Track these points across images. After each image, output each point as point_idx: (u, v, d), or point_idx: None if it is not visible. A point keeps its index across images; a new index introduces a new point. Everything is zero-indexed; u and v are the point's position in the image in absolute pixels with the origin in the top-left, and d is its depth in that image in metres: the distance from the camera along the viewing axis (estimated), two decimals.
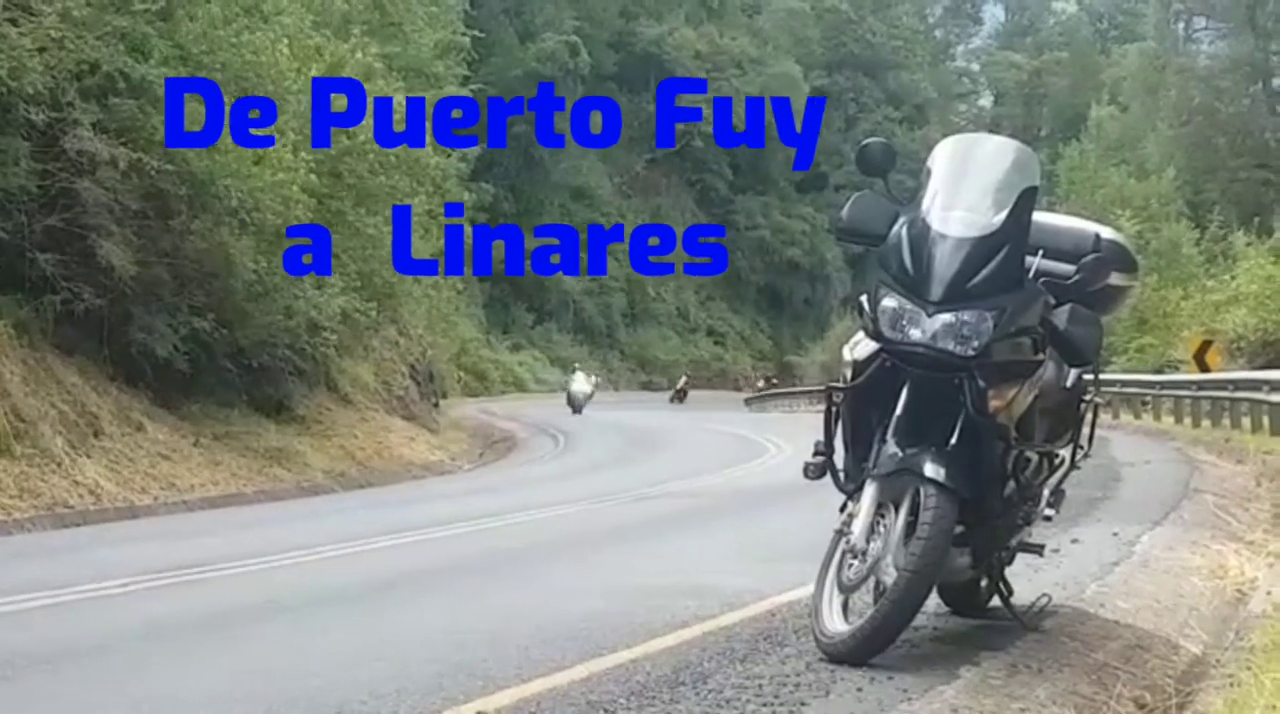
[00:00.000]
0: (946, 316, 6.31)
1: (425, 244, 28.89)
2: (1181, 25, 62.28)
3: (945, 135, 7.89)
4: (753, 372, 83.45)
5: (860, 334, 6.75)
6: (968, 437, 6.34)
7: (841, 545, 6.44)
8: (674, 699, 5.85)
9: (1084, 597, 8.29)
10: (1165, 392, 30.48)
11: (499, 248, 64.67)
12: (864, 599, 6.43)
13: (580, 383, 50.60)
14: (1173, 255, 41.80)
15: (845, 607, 6.45)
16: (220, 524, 16.26)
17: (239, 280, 21.11)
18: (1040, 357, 6.57)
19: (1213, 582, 9.27)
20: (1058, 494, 7.13)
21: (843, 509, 6.67)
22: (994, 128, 75.87)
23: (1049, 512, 7.08)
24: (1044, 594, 7.36)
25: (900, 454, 6.34)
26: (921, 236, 6.44)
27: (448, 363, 47.62)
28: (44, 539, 14.82)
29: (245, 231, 20.98)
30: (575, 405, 48.89)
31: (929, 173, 6.66)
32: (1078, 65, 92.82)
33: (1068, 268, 6.71)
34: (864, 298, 6.65)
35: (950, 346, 6.30)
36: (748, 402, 63.25)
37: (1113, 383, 30.50)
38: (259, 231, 21.19)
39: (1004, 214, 6.45)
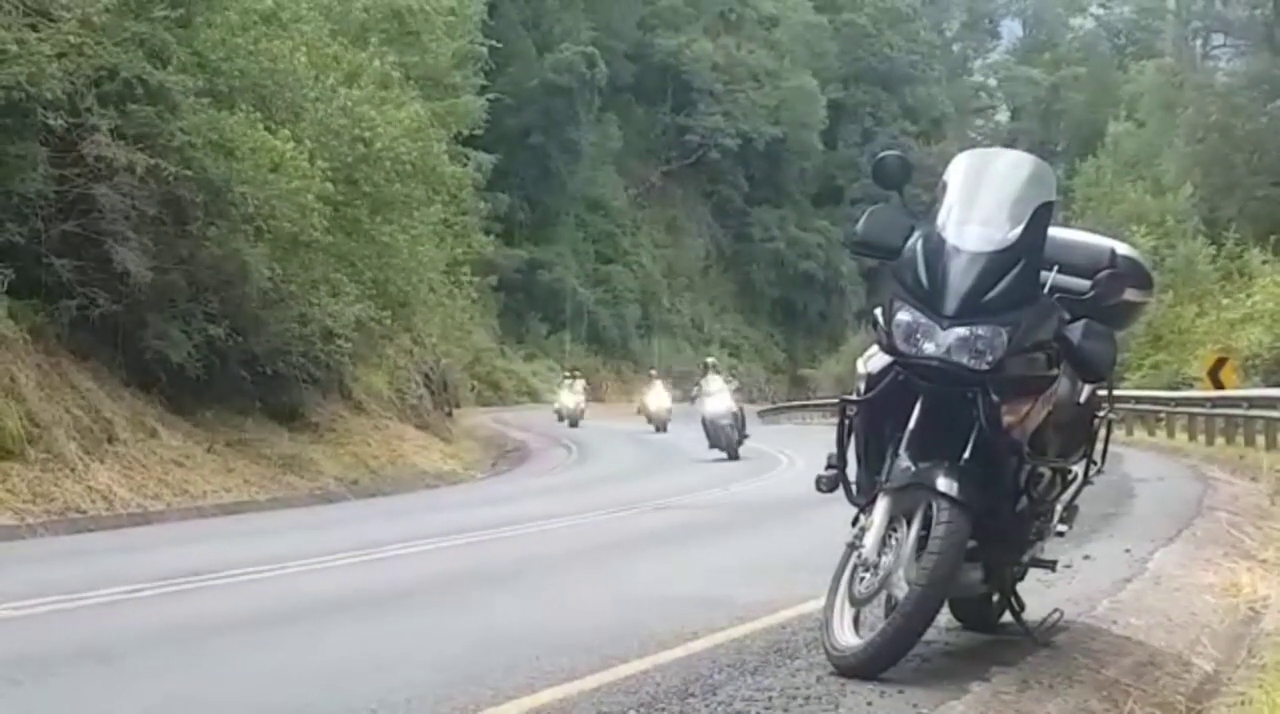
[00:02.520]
0: (961, 331, 6.29)
1: (441, 253, 28.94)
2: (1199, 42, 62.12)
3: (962, 149, 7.87)
4: (766, 385, 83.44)
5: (874, 347, 6.73)
6: (981, 451, 6.32)
7: (853, 559, 6.42)
8: (684, 711, 5.84)
9: (1096, 613, 8.26)
10: (1179, 408, 30.40)
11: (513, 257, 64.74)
12: (875, 613, 6.41)
13: (723, 399, 29.34)
14: (1188, 272, 41.63)
15: (856, 620, 6.43)
16: (233, 531, 16.30)
17: (254, 287, 21.14)
18: (1054, 372, 6.55)
19: (1225, 599, 9.24)
20: (1070, 510, 7.09)
21: (855, 522, 6.66)
22: (1011, 142, 75.56)
23: (1061, 527, 7.05)
24: (1056, 610, 7.33)
25: (913, 468, 6.31)
26: (937, 250, 6.43)
27: (462, 372, 47.55)
28: (56, 544, 14.85)
29: (261, 238, 21.03)
30: (724, 443, 28.64)
31: (945, 187, 6.65)
32: (1095, 81, 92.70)
33: (1083, 283, 6.68)
34: (878, 311, 6.62)
35: (964, 361, 6.28)
36: (761, 414, 63.26)
37: (1127, 399, 30.43)
38: (274, 239, 21.23)
39: (1020, 229, 6.43)
